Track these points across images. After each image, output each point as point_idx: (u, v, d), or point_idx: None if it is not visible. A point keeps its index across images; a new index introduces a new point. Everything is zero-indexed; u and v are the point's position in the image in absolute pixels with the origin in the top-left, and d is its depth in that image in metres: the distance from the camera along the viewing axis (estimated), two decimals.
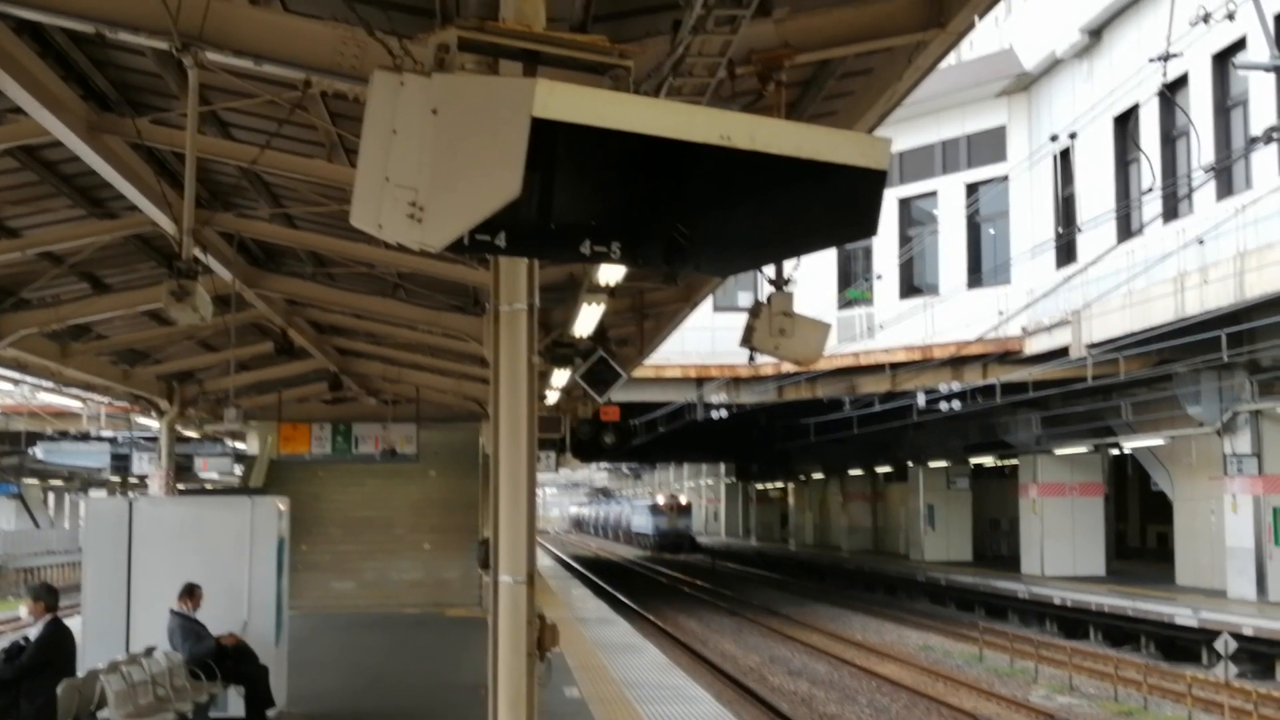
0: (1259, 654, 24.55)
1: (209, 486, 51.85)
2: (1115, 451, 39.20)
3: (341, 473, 29.74)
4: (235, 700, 14.22)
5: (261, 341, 21.51)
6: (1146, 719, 21.08)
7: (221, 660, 13.80)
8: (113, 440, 51.67)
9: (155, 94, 10.50)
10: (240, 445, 40.36)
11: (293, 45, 7.55)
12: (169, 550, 14.76)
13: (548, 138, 3.68)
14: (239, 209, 14.20)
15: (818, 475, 64.08)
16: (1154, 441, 33.75)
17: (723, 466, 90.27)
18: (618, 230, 4.32)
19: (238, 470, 40.58)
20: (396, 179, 3.89)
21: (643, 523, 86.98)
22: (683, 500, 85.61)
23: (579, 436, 36.14)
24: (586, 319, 14.97)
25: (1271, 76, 23.08)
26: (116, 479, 57.80)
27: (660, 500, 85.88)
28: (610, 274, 12.80)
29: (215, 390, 26.00)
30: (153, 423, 30.59)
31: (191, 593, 13.90)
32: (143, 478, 49.25)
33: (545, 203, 4.13)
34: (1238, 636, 22.83)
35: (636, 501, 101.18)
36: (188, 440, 39.65)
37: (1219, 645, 21.71)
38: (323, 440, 28.14)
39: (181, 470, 36.58)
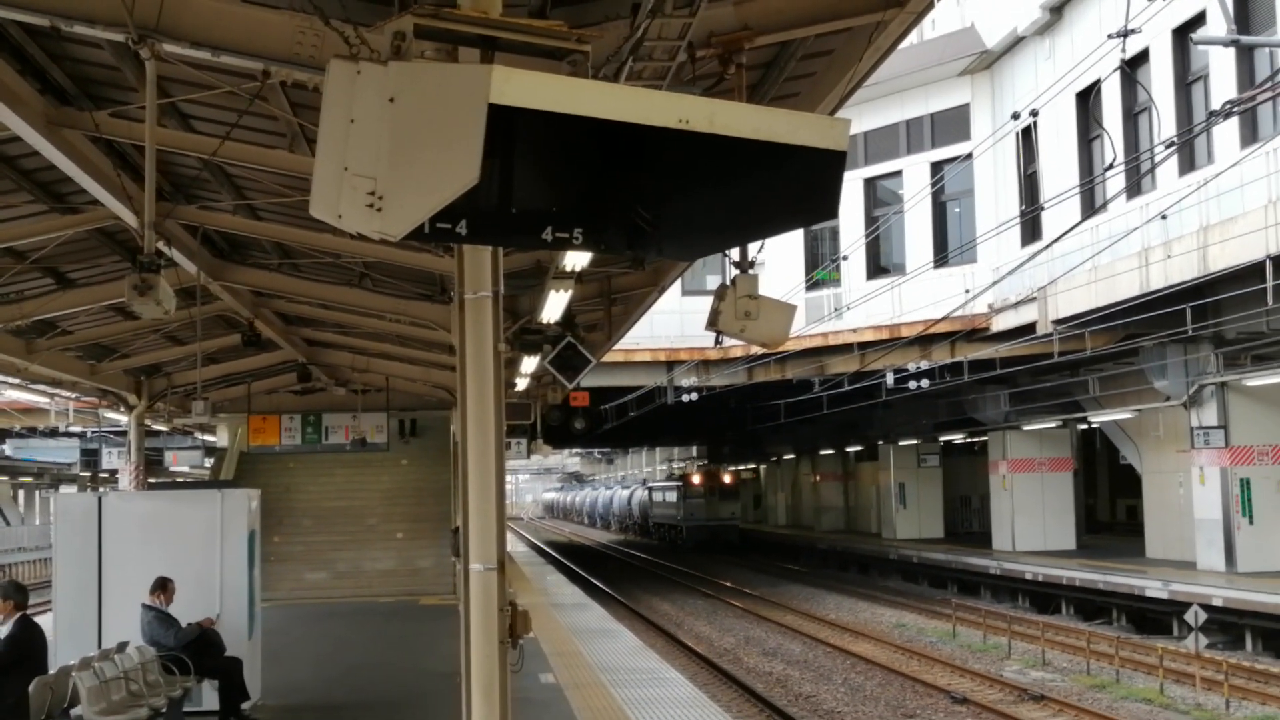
0: (1229, 624, 24.74)
1: (179, 480, 51.65)
2: (1083, 426, 39.42)
3: (312, 463, 29.65)
4: (209, 694, 14.20)
5: (228, 334, 21.41)
6: (1119, 691, 21.22)
7: (196, 653, 13.77)
8: (82, 435, 51.45)
9: (113, 87, 10.44)
10: (210, 438, 40.19)
11: (250, 35, 7.52)
12: (140, 545, 14.71)
13: (506, 124, 3.68)
14: (202, 201, 14.13)
15: (789, 456, 64.23)
16: (1121, 415, 33.95)
17: (694, 449, 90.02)
18: (580, 216, 4.32)
19: (208, 463, 40.38)
20: (355, 168, 3.88)
21: (666, 510, 67.06)
22: (726, 477, 63.78)
23: (549, 422, 36.22)
24: (554, 305, 14.97)
25: (1231, 51, 23.19)
26: (86, 474, 57.56)
27: (695, 477, 63.92)
28: (577, 260, 12.80)
29: (183, 383, 25.89)
30: (121, 417, 30.46)
31: (164, 586, 13.86)
32: (113, 472, 49.07)
33: (506, 190, 4.13)
34: (1208, 608, 23.02)
35: (653, 482, 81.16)
36: (157, 434, 39.45)
37: (1189, 617, 21.90)
38: (293, 431, 28.05)
39: (151, 464, 36.38)
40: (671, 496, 65.54)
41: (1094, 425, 37.87)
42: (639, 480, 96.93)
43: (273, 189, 13.13)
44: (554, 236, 4.33)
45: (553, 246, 4.46)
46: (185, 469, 48.47)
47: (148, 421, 28.26)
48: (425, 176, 3.77)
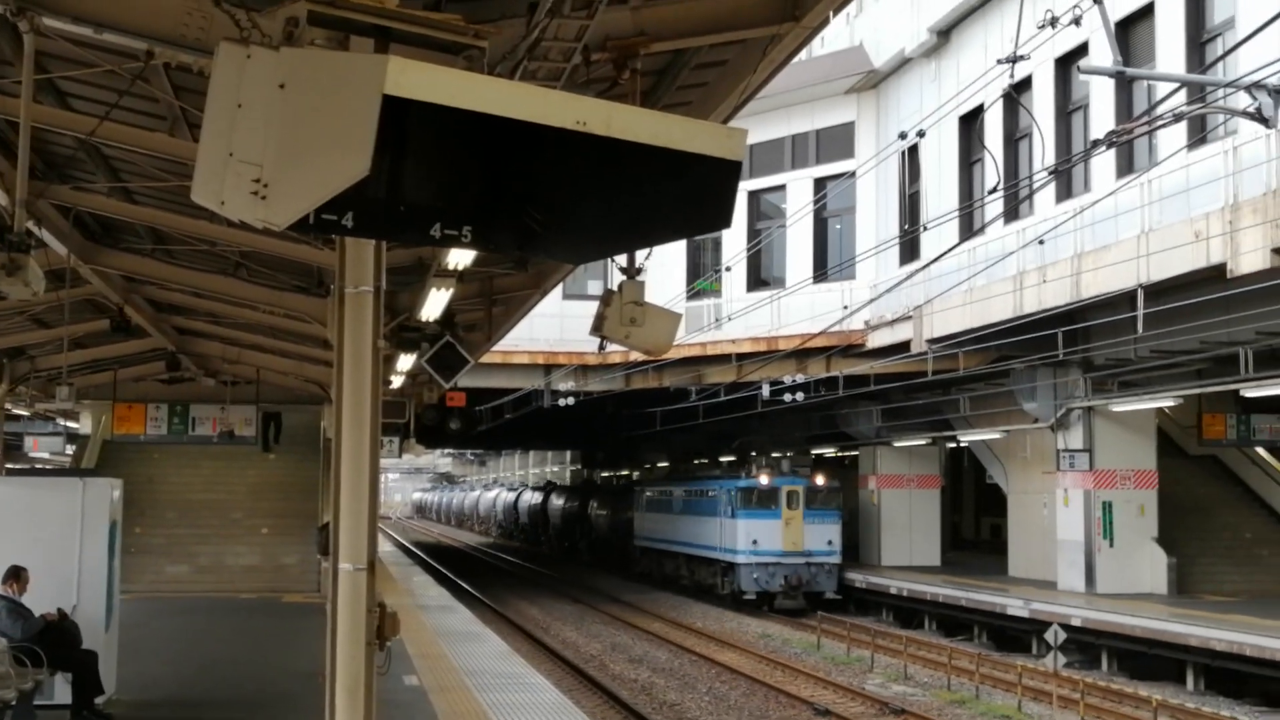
0: (1086, 644, 25.26)
1: (39, 466, 50.44)
2: (952, 445, 40.02)
3: (178, 455, 29.16)
4: (62, 687, 13.82)
5: (97, 319, 20.90)
6: (978, 707, 21.53)
7: (50, 645, 13.39)
8: None
9: None
10: (73, 425, 39.32)
11: (135, 13, 7.32)
12: None
13: (399, 117, 3.60)
14: (76, 182, 13.77)
15: (663, 464, 64.34)
16: (990, 435, 34.52)
17: (568, 454, 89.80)
18: (470, 214, 4.25)
19: (70, 450, 39.50)
20: (241, 154, 3.78)
21: (686, 526, 41.70)
22: (820, 479, 37.53)
23: (424, 422, 35.88)
24: (434, 303, 14.83)
25: (1110, 82, 23.68)
26: None
27: (763, 477, 37.13)
28: (460, 258, 12.69)
29: (47, 368, 25.22)
30: None
31: (17, 575, 13.47)
32: None
33: (395, 183, 4.05)
34: (1067, 627, 23.43)
35: (647, 479, 54.20)
36: (18, 419, 38.51)
37: (1049, 636, 22.26)
38: (159, 421, 27.53)
39: (11, 449, 35.50)
40: (705, 510, 39.70)
41: (963, 444, 38.46)
42: (564, 477, 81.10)
43: (150, 172, 12.83)
44: (442, 233, 4.25)
45: (441, 243, 4.38)
46: (45, 455, 47.39)
47: (8, 405, 27.53)
48: (313, 166, 3.67)
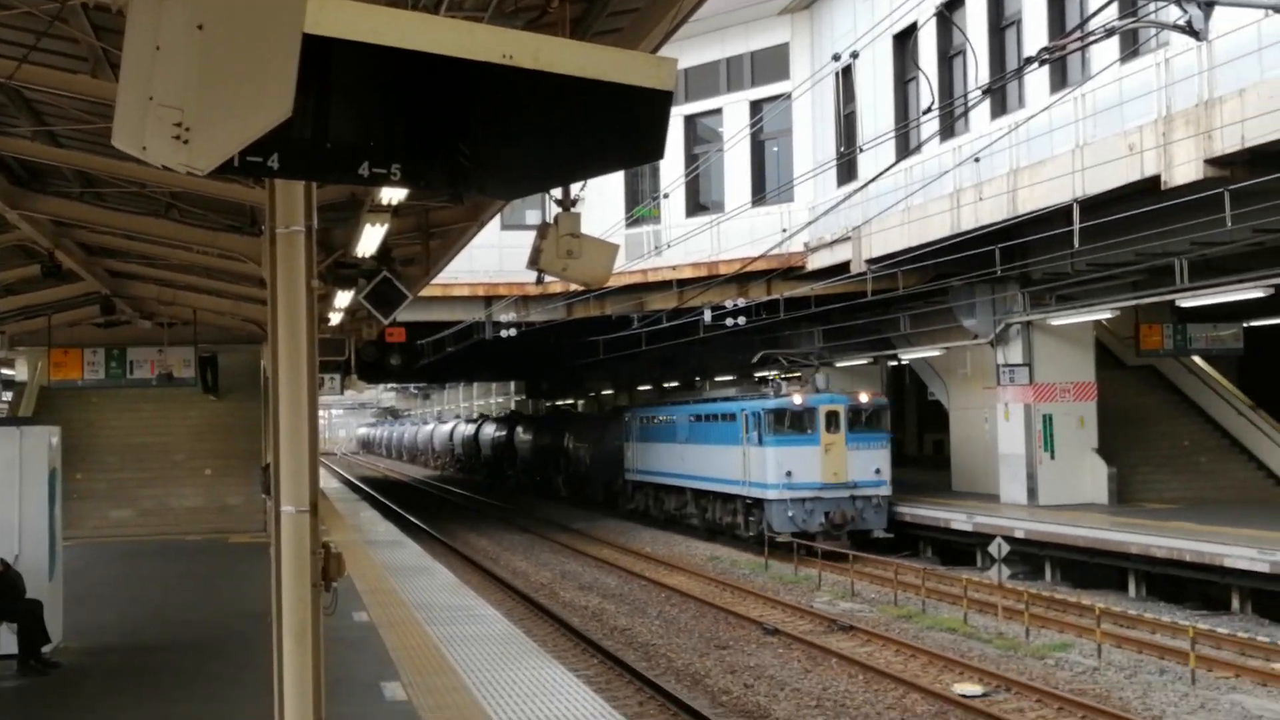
0: (1029, 555, 25.60)
1: None
2: (893, 363, 40.27)
3: (117, 398, 28.92)
4: (8, 638, 13.74)
5: (28, 264, 20.62)
6: (925, 621, 21.80)
7: None
8: None
9: None
10: (8, 372, 38.85)
11: None
12: None
13: (322, 55, 3.53)
14: None
15: (608, 391, 64.44)
16: (930, 353, 34.75)
17: (513, 385, 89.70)
18: (398, 152, 4.19)
19: (6, 398, 39.04)
20: (161, 98, 3.68)
21: (697, 458, 35.80)
22: (864, 396, 31.88)
23: (364, 358, 35.70)
24: (369, 239, 14.69)
25: None
26: None
27: (796, 397, 31.36)
28: (393, 193, 12.56)
29: None
30: None
31: None
32: None
33: (321, 123, 3.97)
34: (1010, 540, 23.76)
35: (676, 411, 38.88)
36: None
37: (993, 549, 22.58)
38: (96, 366, 27.24)
39: None
40: (722, 437, 34.02)
41: (904, 362, 38.71)
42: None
43: (74, 115, 12.58)
44: (371, 172, 4.18)
45: (369, 182, 4.31)
46: None
47: None
48: (235, 108, 3.59)
